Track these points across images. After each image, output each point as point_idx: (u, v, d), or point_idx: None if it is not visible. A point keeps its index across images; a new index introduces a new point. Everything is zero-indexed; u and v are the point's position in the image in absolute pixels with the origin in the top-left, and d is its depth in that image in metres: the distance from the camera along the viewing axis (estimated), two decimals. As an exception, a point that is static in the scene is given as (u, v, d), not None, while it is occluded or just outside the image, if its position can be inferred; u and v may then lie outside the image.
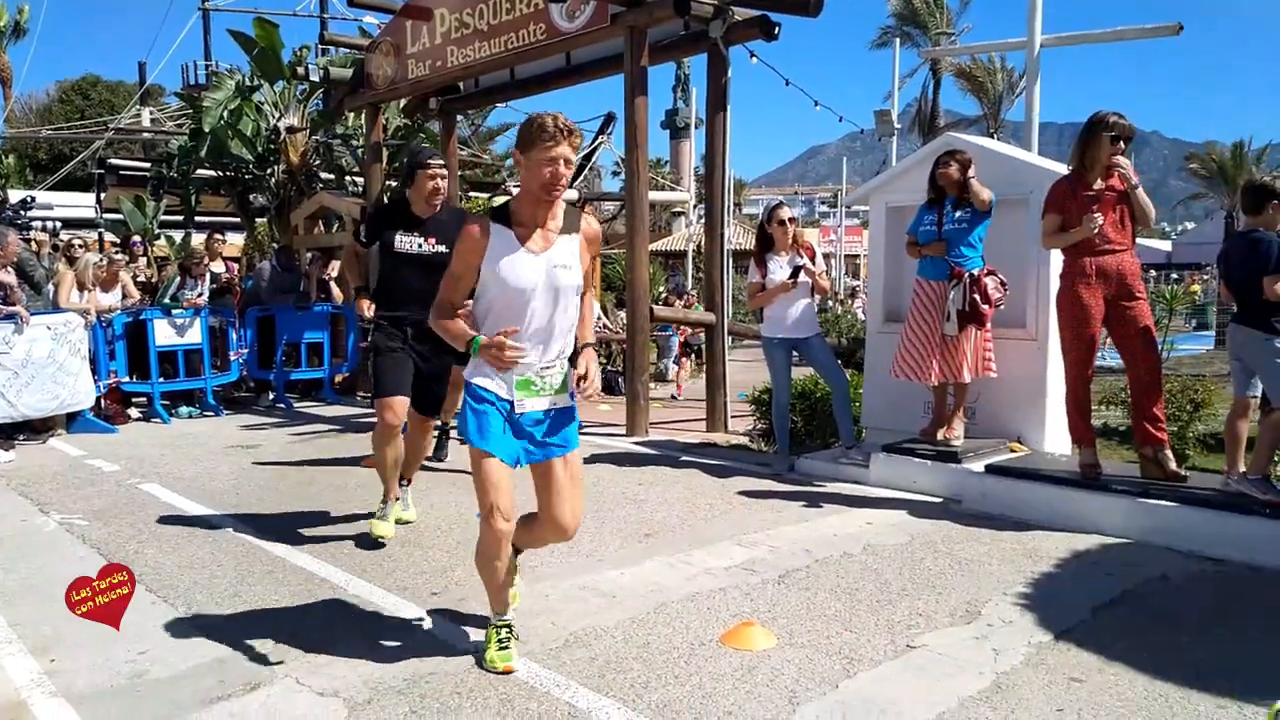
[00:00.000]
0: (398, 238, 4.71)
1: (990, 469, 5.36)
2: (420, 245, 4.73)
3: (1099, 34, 9.51)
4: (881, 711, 2.87)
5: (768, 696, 2.97)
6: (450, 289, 3.13)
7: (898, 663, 3.23)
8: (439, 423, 6.37)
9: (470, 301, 3.17)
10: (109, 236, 16.96)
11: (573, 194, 5.43)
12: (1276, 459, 4.91)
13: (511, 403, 3.07)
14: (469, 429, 3.09)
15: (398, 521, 4.85)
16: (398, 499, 4.87)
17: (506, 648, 3.20)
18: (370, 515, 4.82)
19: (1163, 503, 4.65)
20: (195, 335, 9.39)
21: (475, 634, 3.48)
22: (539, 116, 2.90)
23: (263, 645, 3.42)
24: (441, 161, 4.76)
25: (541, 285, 3.03)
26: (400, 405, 4.66)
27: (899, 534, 4.81)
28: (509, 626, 3.27)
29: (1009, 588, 3.97)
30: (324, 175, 15.35)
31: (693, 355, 13.35)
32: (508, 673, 3.14)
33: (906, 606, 3.76)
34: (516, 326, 3.00)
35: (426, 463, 5.88)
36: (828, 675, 3.13)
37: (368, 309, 4.81)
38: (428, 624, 3.63)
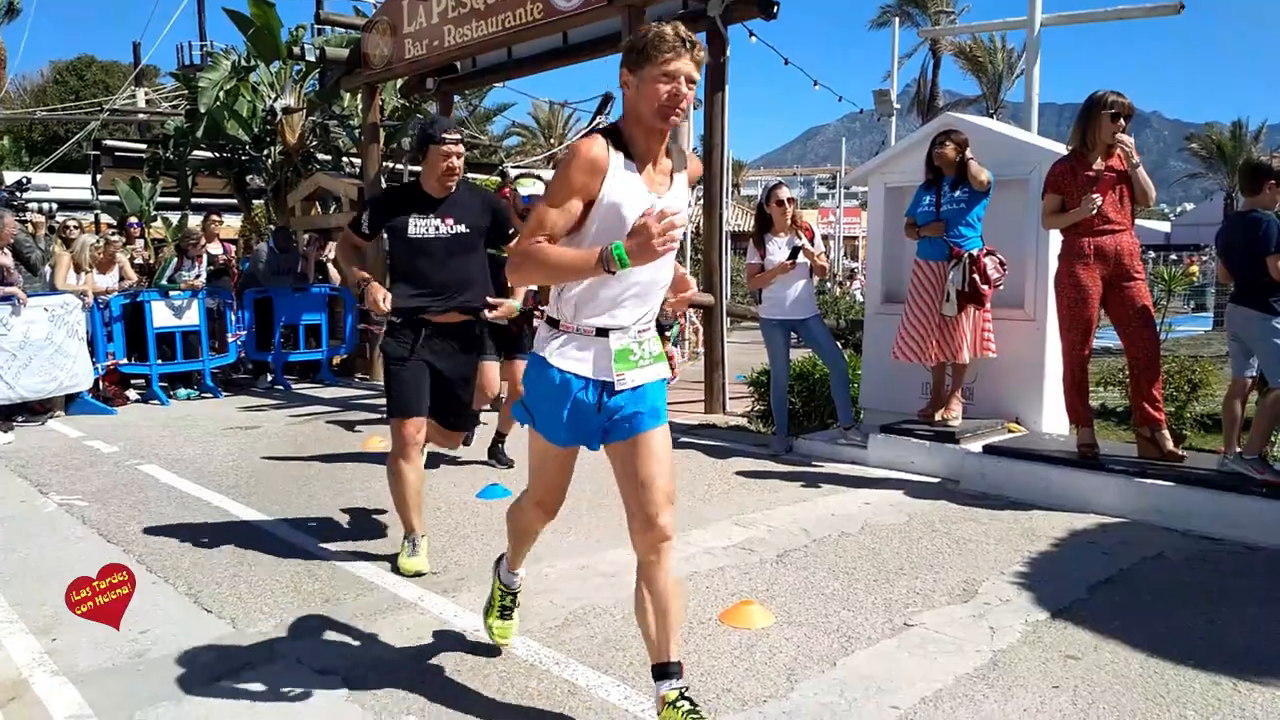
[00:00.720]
0: (411, 222, 4.06)
1: (988, 449, 5.37)
2: (438, 228, 4.08)
3: (1100, 13, 9.46)
4: (879, 689, 2.89)
5: (766, 674, 2.99)
6: (544, 226, 2.43)
7: (895, 641, 3.25)
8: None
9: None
10: (105, 218, 16.88)
11: None
12: (1273, 439, 4.93)
13: (605, 383, 2.54)
14: (530, 409, 2.67)
15: (416, 573, 3.99)
16: (424, 535, 4.13)
17: (509, 618, 3.11)
18: (369, 503, 4.81)
19: (1160, 482, 4.67)
20: (193, 317, 9.38)
21: (474, 614, 3.50)
22: (655, 25, 2.41)
23: (263, 624, 3.44)
24: (458, 136, 4.07)
25: None
26: (416, 425, 4.04)
27: (897, 514, 4.83)
28: (514, 596, 3.12)
29: (1006, 567, 3.99)
30: (321, 156, 15.28)
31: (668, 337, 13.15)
32: (502, 646, 3.10)
33: (904, 585, 3.78)
34: (625, 276, 2.46)
35: (447, 452, 5.62)
36: (826, 653, 3.15)
37: (384, 301, 3.94)
38: (427, 603, 3.64)
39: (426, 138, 4.04)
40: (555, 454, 2.72)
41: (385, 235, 4.20)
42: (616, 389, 2.54)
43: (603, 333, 2.52)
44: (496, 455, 6.07)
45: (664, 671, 2.56)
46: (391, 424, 4.08)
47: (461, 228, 4.13)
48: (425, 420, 4.09)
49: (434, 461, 5.96)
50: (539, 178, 5.95)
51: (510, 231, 4.36)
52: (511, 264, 2.52)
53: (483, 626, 3.17)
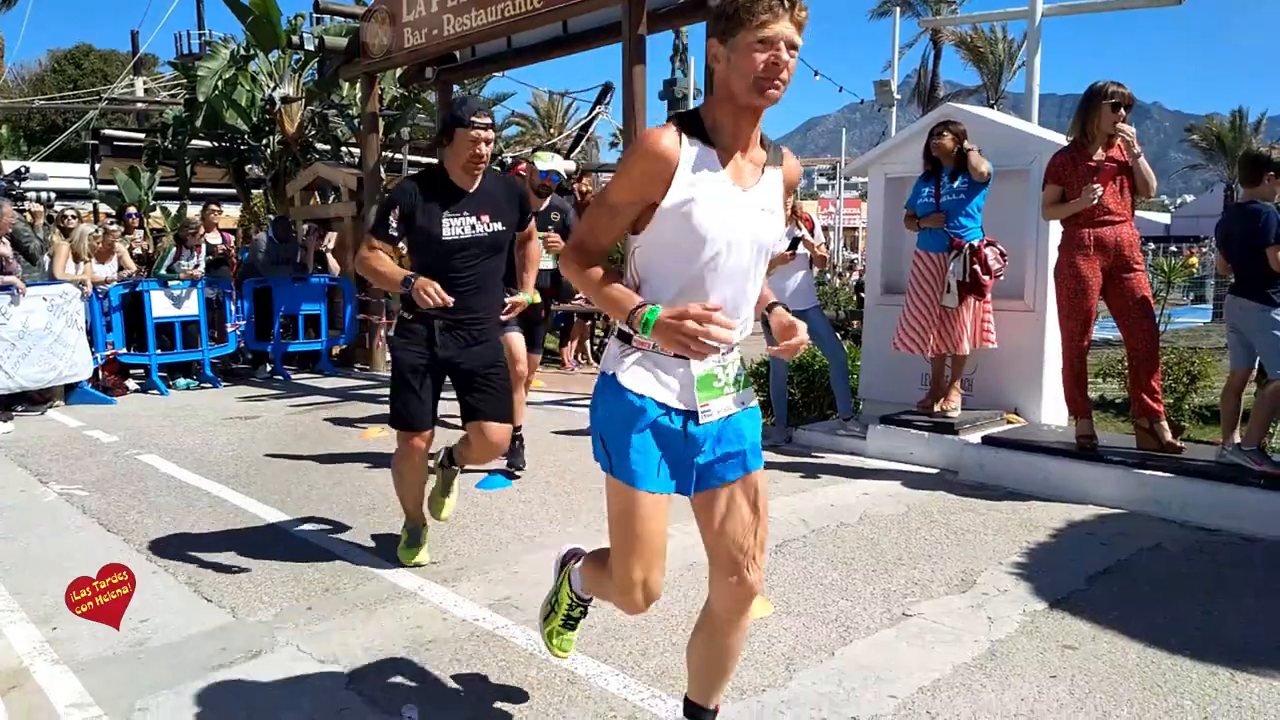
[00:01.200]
0: (446, 223, 3.64)
1: (987, 440, 5.38)
2: (474, 226, 3.69)
3: (1101, 3, 9.43)
4: (878, 678, 2.90)
5: (765, 663, 3.00)
6: (599, 228, 2.13)
7: (894, 631, 3.26)
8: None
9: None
10: (104, 208, 16.86)
11: (570, 164, 5.08)
12: (1271, 430, 4.94)
13: (690, 413, 2.13)
14: (609, 449, 2.17)
15: (414, 564, 3.95)
16: (425, 525, 4.05)
17: (573, 629, 2.67)
18: (369, 493, 4.80)
19: (1158, 473, 4.68)
20: (192, 307, 9.37)
21: (473, 603, 3.51)
22: None
23: (263, 613, 3.45)
24: (489, 119, 3.66)
25: (745, 237, 2.07)
26: (423, 439, 3.80)
27: (896, 504, 4.84)
28: (586, 606, 2.65)
29: (1004, 557, 4.00)
30: (320, 146, 15.25)
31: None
32: (560, 658, 2.75)
33: (903, 575, 3.79)
34: (701, 295, 2.06)
35: (495, 470, 5.31)
36: (824, 643, 3.16)
37: (437, 293, 3.48)
38: (427, 593, 3.65)
39: (454, 120, 3.61)
40: (647, 507, 2.15)
41: (401, 234, 3.69)
42: (700, 420, 2.14)
43: (684, 356, 2.10)
44: (511, 458, 5.52)
45: (698, 713, 2.38)
46: (398, 435, 3.85)
47: (498, 225, 3.78)
48: (431, 431, 3.84)
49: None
50: (558, 150, 5.86)
51: (528, 216, 4.07)
52: (562, 260, 2.19)
53: (540, 637, 2.78)
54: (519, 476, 5.45)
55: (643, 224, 2.07)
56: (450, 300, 3.50)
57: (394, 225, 3.63)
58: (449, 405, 4.14)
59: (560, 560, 2.74)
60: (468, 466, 4.23)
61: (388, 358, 11.39)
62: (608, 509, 2.22)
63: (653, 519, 2.17)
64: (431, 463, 4.02)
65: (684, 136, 2.03)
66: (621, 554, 2.20)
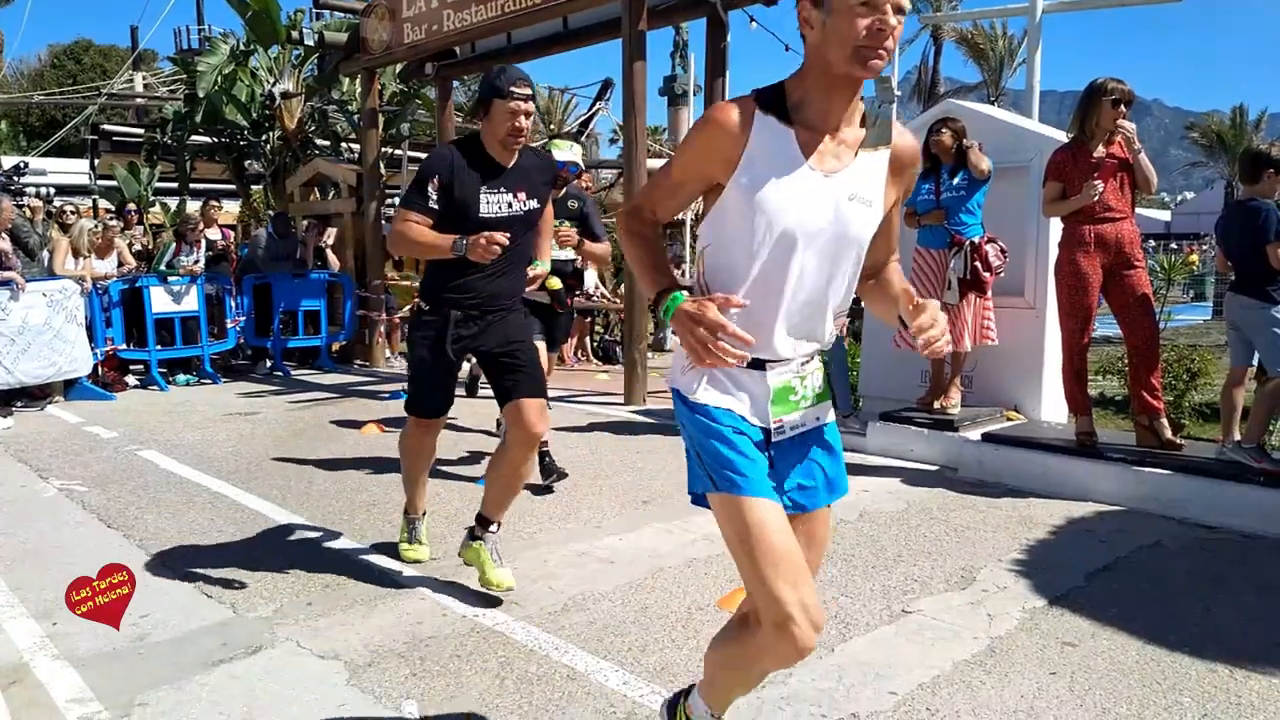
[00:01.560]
0: (483, 198, 3.41)
1: (987, 437, 5.38)
2: (510, 204, 3.47)
3: (1101, 0, 9.41)
4: (877, 675, 2.90)
5: (764, 660, 3.00)
6: (657, 197, 1.98)
7: (893, 627, 3.26)
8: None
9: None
10: (103, 203, 16.84)
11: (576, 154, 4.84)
12: (1271, 428, 4.94)
13: (765, 430, 1.92)
14: (708, 466, 1.89)
15: (415, 561, 3.93)
16: (425, 514, 4.01)
17: None
18: (369, 489, 4.81)
19: (1158, 471, 4.68)
20: (192, 302, 9.37)
21: (473, 599, 3.51)
22: None
23: (264, 609, 3.45)
24: (529, 89, 3.38)
25: (825, 228, 1.83)
26: (437, 425, 3.78)
27: (895, 501, 4.84)
28: None
29: (1004, 554, 4.00)
30: (319, 141, 15.24)
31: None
32: None
33: (902, 572, 3.79)
34: (771, 301, 1.85)
35: (529, 489, 4.88)
36: (824, 639, 3.15)
37: (500, 240, 3.25)
38: (427, 589, 3.65)
39: (492, 90, 3.35)
40: (773, 517, 1.85)
41: (440, 205, 3.40)
42: (774, 438, 1.93)
43: (758, 364, 1.89)
44: (545, 468, 5.13)
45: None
46: (410, 420, 3.77)
47: (534, 203, 3.54)
48: (444, 418, 3.79)
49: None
50: (578, 139, 5.72)
51: (549, 194, 3.84)
52: (618, 221, 2.04)
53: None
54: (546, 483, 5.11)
55: (708, 208, 1.88)
56: (503, 238, 3.25)
57: (433, 196, 3.36)
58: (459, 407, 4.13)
59: (667, 706, 2.32)
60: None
61: (387, 354, 11.50)
62: (728, 538, 1.89)
63: (784, 529, 1.85)
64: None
65: (758, 111, 1.81)
66: (762, 581, 1.82)
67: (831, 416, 2.04)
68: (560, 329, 5.38)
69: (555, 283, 4.82)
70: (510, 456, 3.52)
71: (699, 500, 1.98)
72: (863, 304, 2.13)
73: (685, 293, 1.84)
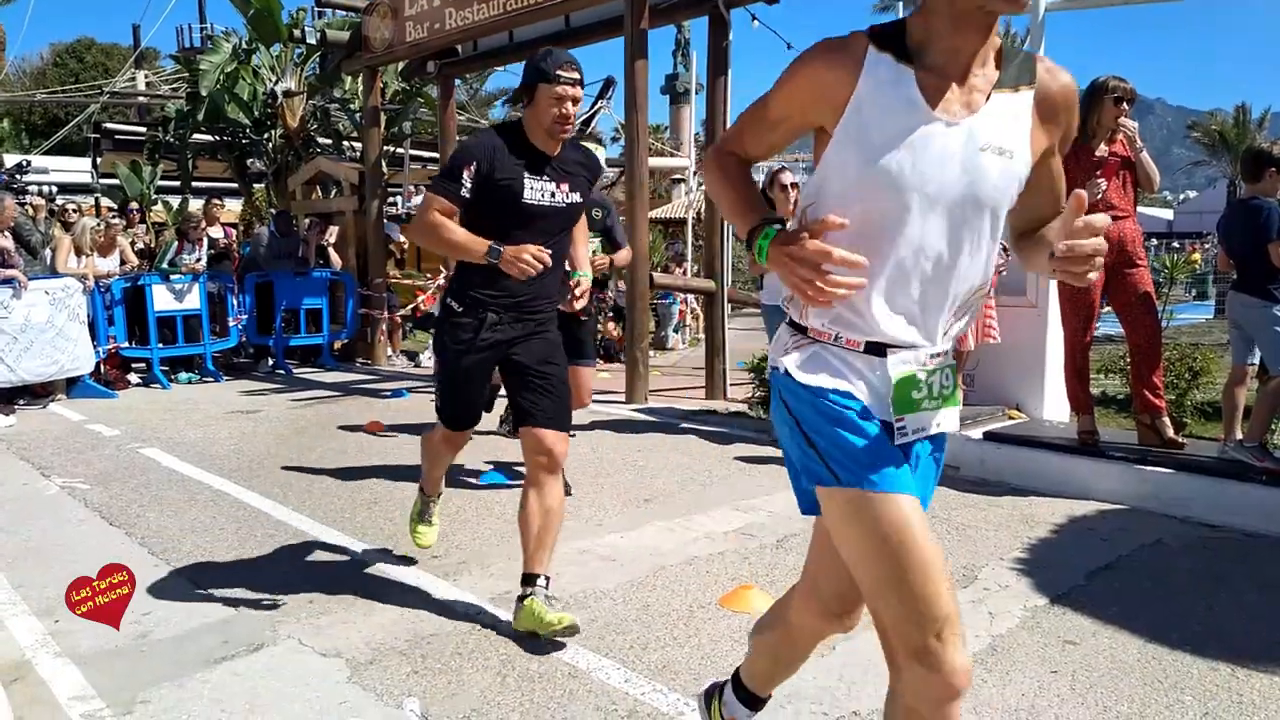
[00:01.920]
0: (527, 184, 3.15)
1: (988, 436, 5.37)
2: (553, 195, 3.21)
3: (1104, -2, 9.39)
4: (878, 672, 2.89)
5: (765, 658, 2.99)
6: (747, 132, 1.74)
7: (894, 626, 3.25)
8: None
9: None
10: (105, 201, 16.86)
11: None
12: (1273, 426, 4.93)
13: (888, 424, 1.67)
14: (830, 459, 1.64)
15: (420, 545, 3.84)
16: (439, 496, 3.84)
17: None
18: (371, 488, 4.81)
19: (1159, 469, 4.67)
20: (194, 301, 9.38)
21: (474, 597, 3.51)
22: None
23: (265, 607, 3.45)
24: (577, 75, 3.13)
25: (952, 184, 1.55)
26: (464, 438, 3.62)
27: (897, 500, 4.83)
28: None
29: (1005, 553, 4.00)
30: (321, 140, 15.26)
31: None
32: None
33: (903, 571, 3.79)
34: (868, 260, 1.54)
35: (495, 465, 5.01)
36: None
37: (538, 257, 3.03)
38: (428, 587, 3.65)
39: (537, 74, 3.09)
40: (911, 511, 1.63)
41: (473, 194, 3.11)
42: (895, 440, 1.66)
43: (876, 349, 1.64)
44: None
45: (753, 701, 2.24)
46: (438, 428, 3.56)
47: (576, 197, 3.30)
48: (470, 432, 3.58)
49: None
50: (600, 142, 5.58)
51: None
52: (705, 159, 1.82)
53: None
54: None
55: (817, 157, 1.62)
56: (548, 257, 3.05)
57: (466, 184, 3.08)
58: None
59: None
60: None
61: (389, 352, 11.51)
62: (853, 545, 1.64)
63: (924, 527, 1.60)
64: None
65: (871, 48, 1.55)
66: (905, 596, 1.56)
67: (954, 425, 1.75)
68: (587, 337, 5.07)
69: (588, 274, 4.66)
70: (537, 493, 3.22)
71: (812, 508, 1.72)
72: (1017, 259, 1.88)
73: (778, 226, 1.57)
